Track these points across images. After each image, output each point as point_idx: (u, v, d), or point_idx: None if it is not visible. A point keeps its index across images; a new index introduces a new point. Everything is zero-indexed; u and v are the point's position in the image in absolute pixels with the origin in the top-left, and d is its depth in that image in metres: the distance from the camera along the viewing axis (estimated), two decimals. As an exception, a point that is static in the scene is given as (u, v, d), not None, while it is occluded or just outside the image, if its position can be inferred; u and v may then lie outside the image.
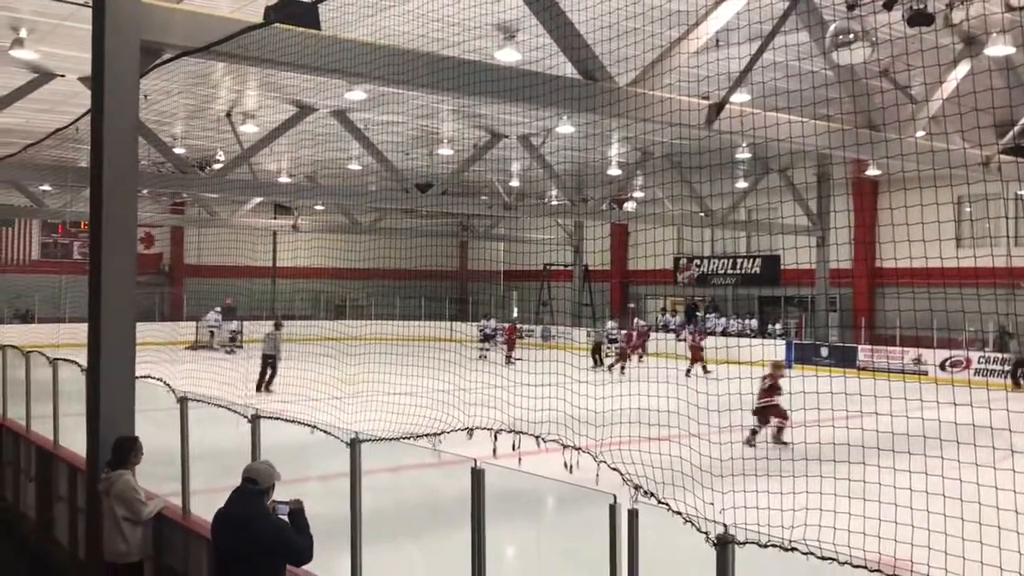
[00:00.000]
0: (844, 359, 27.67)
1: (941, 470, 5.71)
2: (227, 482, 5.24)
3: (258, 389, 20.67)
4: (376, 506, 6.31)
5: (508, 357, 27.91)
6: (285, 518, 5.14)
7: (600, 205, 30.43)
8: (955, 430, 6.43)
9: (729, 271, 36.82)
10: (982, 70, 14.42)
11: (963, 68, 14.74)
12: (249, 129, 23.21)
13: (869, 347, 28.40)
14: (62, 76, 18.14)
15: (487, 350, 29.51)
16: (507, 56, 14.64)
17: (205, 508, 5.72)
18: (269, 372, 21.20)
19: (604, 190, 31.22)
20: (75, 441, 8.81)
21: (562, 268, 41.44)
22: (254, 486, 5.12)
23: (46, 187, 31.46)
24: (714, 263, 37.39)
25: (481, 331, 34.35)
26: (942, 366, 25.24)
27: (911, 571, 3.06)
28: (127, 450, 6.49)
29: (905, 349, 26.60)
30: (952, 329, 24.21)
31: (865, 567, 3.05)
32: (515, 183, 33.80)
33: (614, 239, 40.69)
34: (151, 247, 41.79)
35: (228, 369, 19.94)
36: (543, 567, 8.72)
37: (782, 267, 34.28)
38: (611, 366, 26.40)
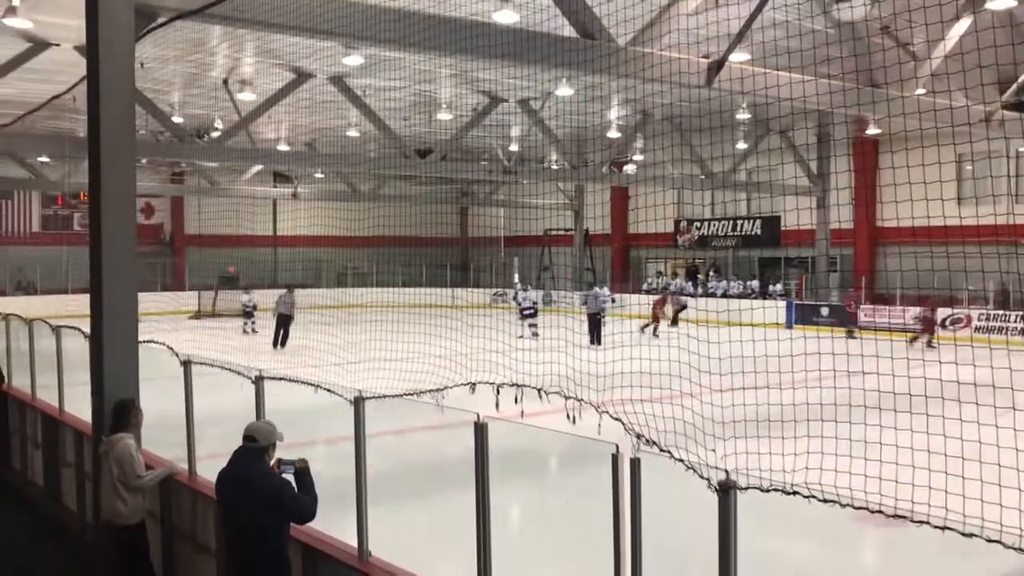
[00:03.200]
0: (844, 319, 27.74)
1: (942, 429, 5.73)
2: (233, 446, 5.29)
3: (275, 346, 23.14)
4: (381, 468, 6.36)
5: (649, 327, 25.71)
6: (290, 477, 5.19)
7: (600, 168, 30.25)
8: (957, 388, 6.46)
9: (730, 233, 36.80)
10: (984, 25, 14.29)
11: (965, 23, 14.62)
12: (247, 97, 23.09)
13: (870, 306, 28.45)
14: (57, 45, 18.02)
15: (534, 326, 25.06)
16: (505, 17, 14.51)
17: (212, 471, 5.77)
18: (282, 332, 23.59)
19: (604, 153, 31.07)
20: (80, 408, 8.87)
21: (563, 233, 41.40)
22: (254, 444, 5.17)
23: (44, 158, 31.38)
24: (715, 225, 37.35)
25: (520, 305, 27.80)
26: (943, 324, 25.29)
27: (911, 511, 3.10)
28: (127, 412, 6.48)
29: (905, 308, 26.64)
30: (954, 288, 24.25)
31: (867, 508, 3.09)
32: (515, 148, 33.67)
33: (614, 203, 40.63)
34: (151, 217, 41.77)
35: (232, 335, 20.05)
36: (547, 521, 8.81)
37: (783, 228, 34.25)
38: (643, 327, 25.66)
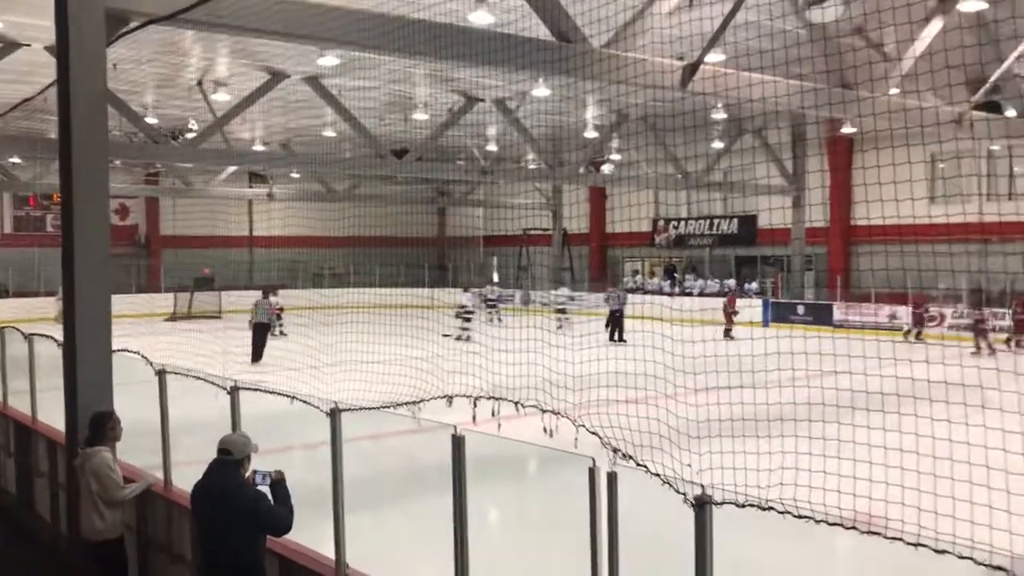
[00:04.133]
0: (820, 317, 27.96)
1: (915, 427, 5.81)
2: (209, 454, 5.25)
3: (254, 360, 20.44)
4: (358, 473, 6.33)
5: (727, 331, 25.10)
6: (266, 488, 5.15)
7: (577, 168, 30.31)
8: (928, 387, 6.53)
9: (706, 232, 36.97)
10: (955, 26, 14.45)
11: (936, 25, 14.76)
12: (221, 97, 22.92)
13: (845, 305, 28.69)
14: (28, 45, 17.80)
15: (467, 329, 24.68)
16: (480, 19, 14.50)
17: (188, 481, 5.72)
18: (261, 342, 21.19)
19: (581, 153, 31.13)
20: (53, 416, 8.77)
21: (541, 233, 41.42)
22: (229, 457, 5.13)
23: (15, 159, 30.97)
24: (691, 224, 37.50)
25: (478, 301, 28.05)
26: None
27: (885, 527, 3.13)
28: (102, 425, 6.30)
29: (880, 306, 26.89)
30: (926, 287, 24.50)
31: (840, 524, 3.11)
32: (492, 147, 33.65)
33: (592, 202, 40.70)
34: (126, 218, 41.35)
35: (207, 341, 19.90)
36: (524, 530, 8.82)
37: (758, 227, 34.45)
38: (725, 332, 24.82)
